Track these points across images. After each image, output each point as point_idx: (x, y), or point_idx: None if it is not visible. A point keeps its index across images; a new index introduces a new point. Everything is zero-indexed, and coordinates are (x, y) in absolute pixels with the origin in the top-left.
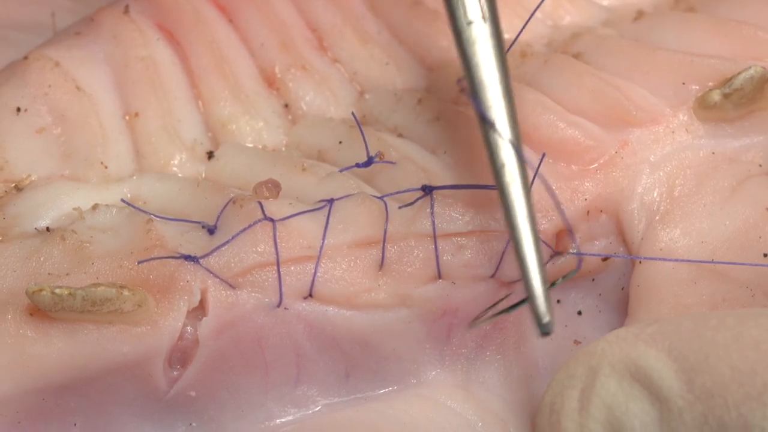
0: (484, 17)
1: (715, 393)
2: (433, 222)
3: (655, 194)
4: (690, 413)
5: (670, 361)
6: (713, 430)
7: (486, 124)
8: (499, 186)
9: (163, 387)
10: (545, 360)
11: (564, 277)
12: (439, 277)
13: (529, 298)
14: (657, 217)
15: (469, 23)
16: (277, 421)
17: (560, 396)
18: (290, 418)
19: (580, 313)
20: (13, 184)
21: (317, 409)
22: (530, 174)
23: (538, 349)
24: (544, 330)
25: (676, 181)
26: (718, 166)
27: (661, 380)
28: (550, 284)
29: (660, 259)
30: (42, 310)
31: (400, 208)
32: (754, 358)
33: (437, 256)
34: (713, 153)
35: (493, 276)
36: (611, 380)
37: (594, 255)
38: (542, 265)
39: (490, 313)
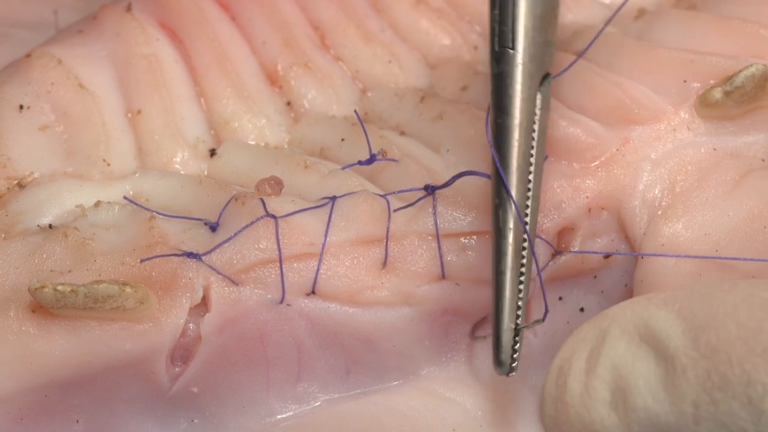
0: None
1: (720, 349)
2: (436, 222)
3: (657, 191)
4: (694, 370)
5: (679, 321)
6: (716, 386)
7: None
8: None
9: (166, 383)
10: (544, 355)
11: (527, 325)
12: (443, 277)
13: (493, 341)
14: (659, 213)
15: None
16: (278, 416)
17: (569, 359)
18: (291, 413)
19: (582, 309)
20: (16, 182)
21: (317, 404)
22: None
23: (538, 344)
24: (501, 372)
25: (678, 178)
26: (720, 162)
27: (668, 339)
28: (516, 328)
29: (662, 255)
30: (44, 307)
31: (395, 210)
32: (761, 317)
33: (441, 257)
34: (715, 149)
35: None
36: (620, 342)
37: (595, 252)
38: (513, 310)
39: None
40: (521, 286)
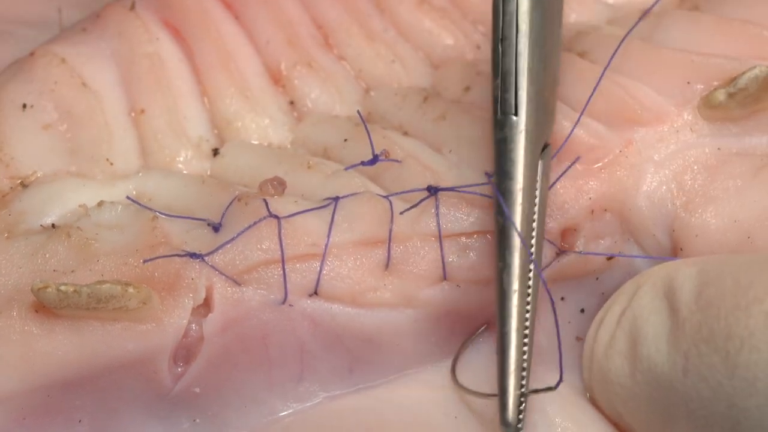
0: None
1: (714, 303)
2: (438, 223)
3: (664, 191)
4: (690, 322)
5: (696, 278)
6: (703, 338)
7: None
8: (497, 284)
9: (168, 383)
10: (549, 353)
11: (537, 390)
12: (445, 278)
13: (500, 403)
14: (678, 210)
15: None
16: (280, 415)
17: (606, 311)
18: (293, 410)
19: (582, 310)
20: (19, 181)
21: (319, 400)
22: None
23: (541, 342)
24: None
25: (685, 177)
26: (727, 159)
27: (680, 293)
28: (522, 392)
29: (666, 258)
30: (47, 307)
31: (401, 213)
32: (756, 274)
33: (443, 258)
34: (719, 149)
35: None
36: (647, 296)
37: (598, 254)
38: (519, 371)
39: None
40: (525, 347)
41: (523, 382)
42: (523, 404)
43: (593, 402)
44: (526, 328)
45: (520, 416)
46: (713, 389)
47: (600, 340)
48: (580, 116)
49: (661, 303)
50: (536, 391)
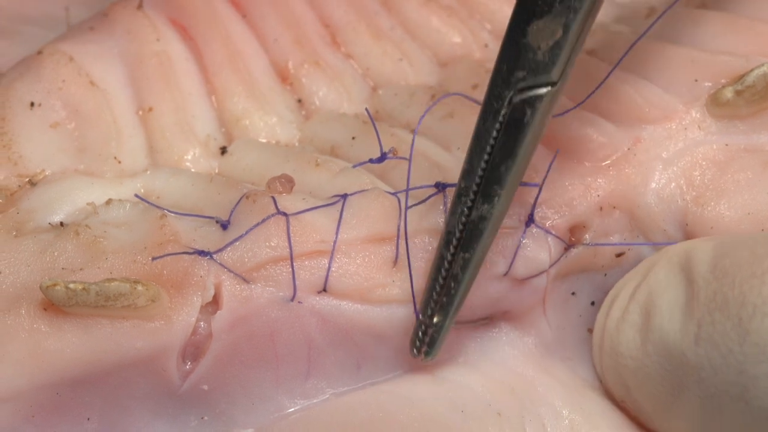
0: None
1: (729, 273)
2: (447, 219)
3: (673, 187)
4: (705, 292)
5: (711, 250)
6: (717, 306)
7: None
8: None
9: (176, 381)
10: (556, 344)
11: (425, 319)
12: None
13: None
14: (689, 205)
15: None
16: (287, 411)
17: (620, 288)
18: (299, 407)
19: (593, 303)
20: (27, 179)
21: (326, 397)
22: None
23: (551, 335)
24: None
25: (694, 173)
26: (735, 155)
27: (696, 265)
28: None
29: (670, 243)
30: (56, 305)
31: (409, 207)
32: None
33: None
34: (727, 145)
35: (506, 274)
36: (663, 270)
37: (606, 244)
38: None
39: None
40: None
41: (436, 320)
42: (436, 340)
43: (601, 377)
44: (443, 277)
45: (428, 347)
46: (724, 356)
47: (612, 315)
48: (573, 108)
49: (677, 277)
50: (422, 320)
